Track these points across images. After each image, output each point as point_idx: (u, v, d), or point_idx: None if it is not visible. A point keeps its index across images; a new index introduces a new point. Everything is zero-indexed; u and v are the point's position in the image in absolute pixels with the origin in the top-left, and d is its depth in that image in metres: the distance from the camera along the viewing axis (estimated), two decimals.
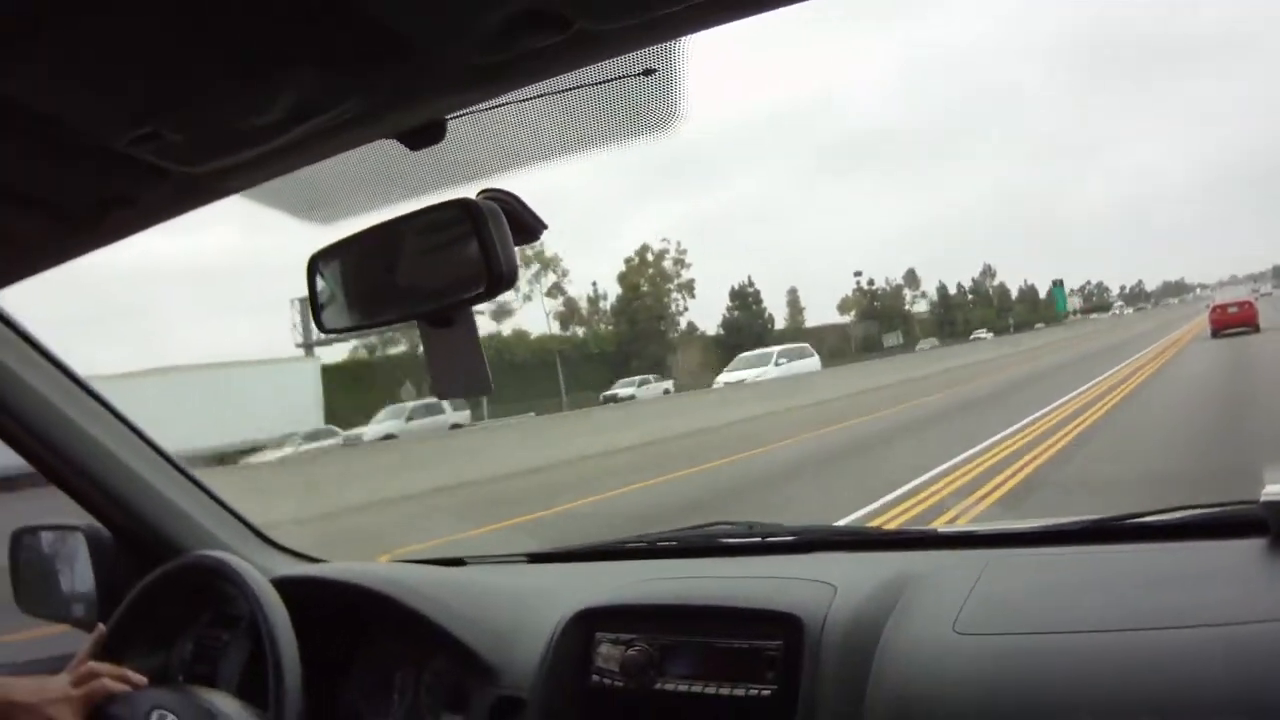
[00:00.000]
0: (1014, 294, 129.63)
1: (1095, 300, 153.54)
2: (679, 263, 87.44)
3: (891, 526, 7.41)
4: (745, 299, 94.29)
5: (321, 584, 2.56)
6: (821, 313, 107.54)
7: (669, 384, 61.54)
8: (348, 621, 2.52)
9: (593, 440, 24.05)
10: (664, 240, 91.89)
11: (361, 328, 1.66)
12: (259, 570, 2.29)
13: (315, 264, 1.62)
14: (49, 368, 2.44)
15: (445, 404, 41.70)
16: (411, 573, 2.64)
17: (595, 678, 2.08)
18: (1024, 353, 53.03)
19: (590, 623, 2.13)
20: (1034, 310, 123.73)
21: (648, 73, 1.33)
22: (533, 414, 43.48)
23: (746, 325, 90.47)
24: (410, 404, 44.03)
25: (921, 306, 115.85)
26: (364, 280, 1.60)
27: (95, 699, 2.12)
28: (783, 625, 1.90)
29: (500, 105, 1.39)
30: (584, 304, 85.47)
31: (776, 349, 49.69)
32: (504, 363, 64.25)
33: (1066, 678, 1.62)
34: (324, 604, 2.46)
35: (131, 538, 2.63)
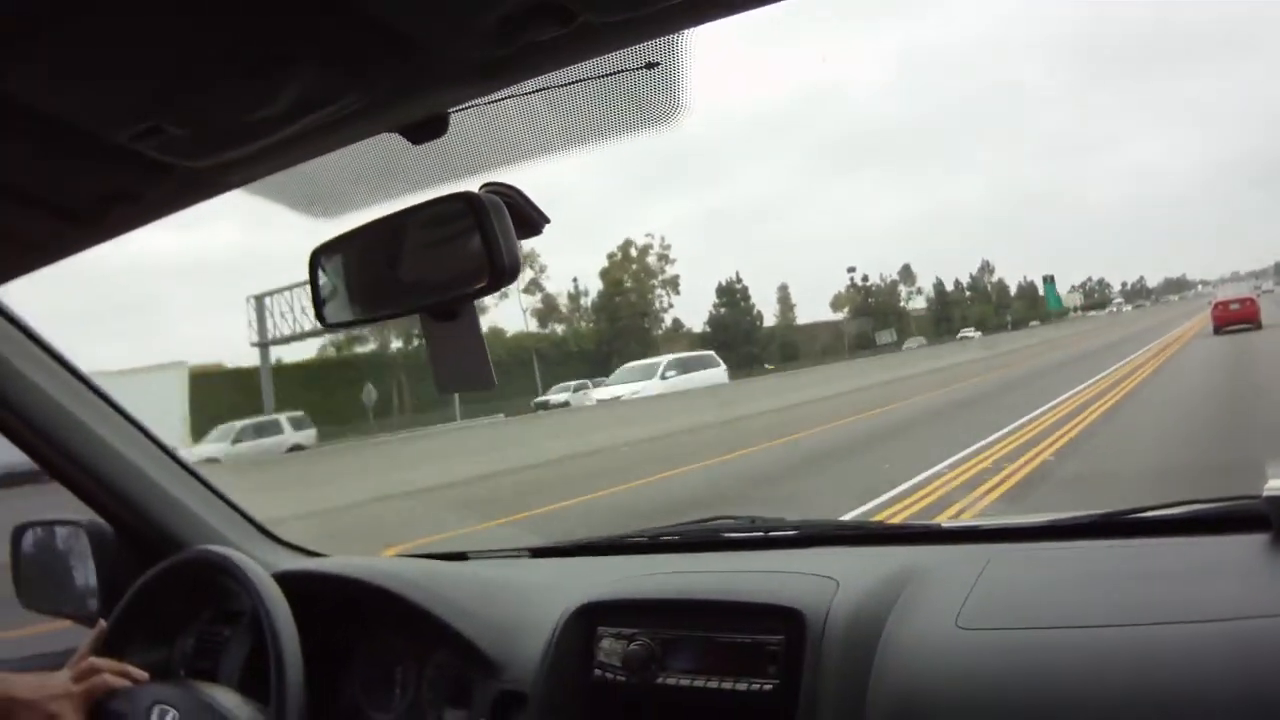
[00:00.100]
0: (1013, 290, 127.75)
1: (1097, 297, 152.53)
2: (663, 258, 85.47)
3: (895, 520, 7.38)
4: (733, 295, 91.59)
5: (323, 579, 2.56)
6: (816, 310, 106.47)
7: (608, 391, 53.04)
8: (349, 616, 2.52)
9: (455, 465, 20.25)
10: (648, 235, 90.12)
11: (364, 322, 1.66)
12: (261, 565, 2.29)
13: (317, 258, 1.62)
14: (50, 363, 2.44)
15: (284, 423, 39.50)
16: (413, 567, 2.64)
17: (597, 672, 2.08)
18: (1010, 354, 49.72)
19: (592, 617, 2.13)
20: (1033, 307, 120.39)
21: (650, 66, 1.33)
22: (502, 415, 41.89)
23: (734, 322, 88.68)
24: (240, 424, 39.01)
25: (918, 303, 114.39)
26: (366, 274, 1.60)
27: (96, 694, 2.12)
28: (785, 620, 1.90)
29: (503, 99, 1.39)
30: (564, 300, 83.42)
31: (666, 358, 42.96)
32: None
33: (1069, 673, 1.62)
34: (326, 598, 2.47)
35: (133, 533, 2.63)
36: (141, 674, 2.19)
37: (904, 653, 1.81)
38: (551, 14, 1.15)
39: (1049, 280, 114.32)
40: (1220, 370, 23.99)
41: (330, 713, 2.45)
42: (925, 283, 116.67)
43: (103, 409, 2.54)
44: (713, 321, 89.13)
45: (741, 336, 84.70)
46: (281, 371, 53.64)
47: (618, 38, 1.25)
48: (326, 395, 54.10)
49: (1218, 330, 38.79)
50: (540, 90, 1.38)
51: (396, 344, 63.90)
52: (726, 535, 2.63)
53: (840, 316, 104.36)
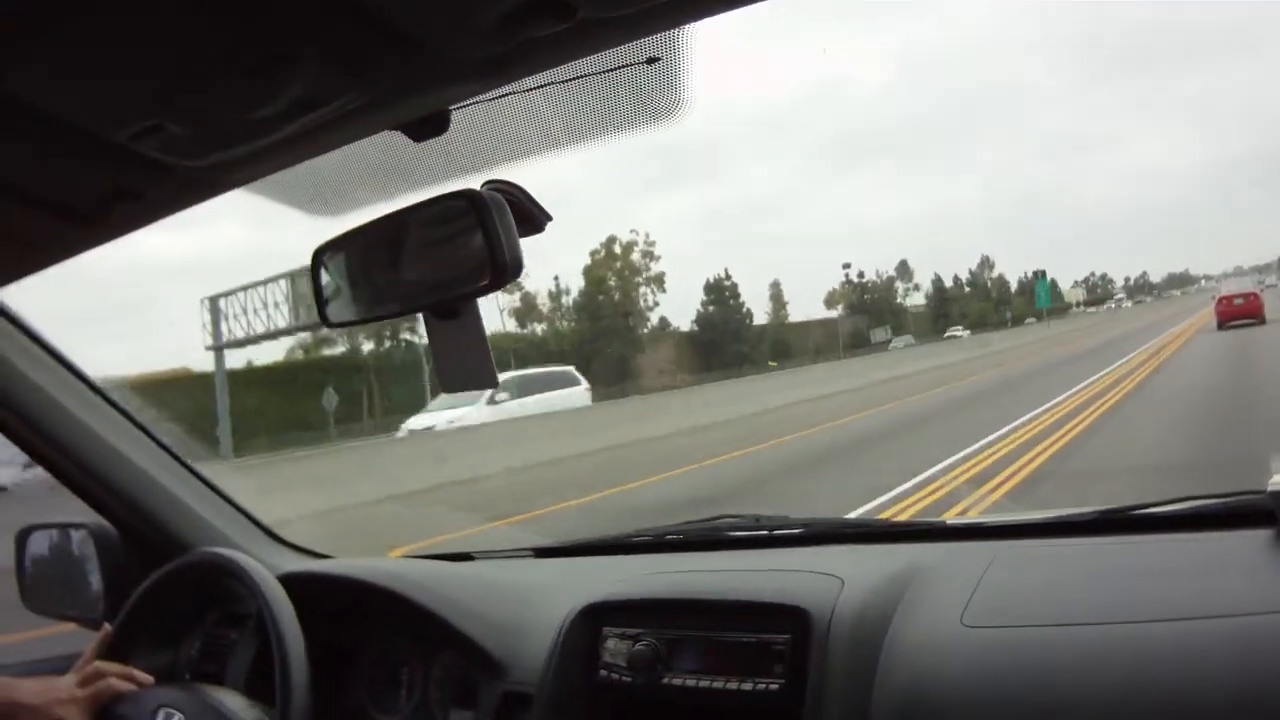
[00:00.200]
0: (1014, 286, 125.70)
1: (1100, 292, 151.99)
2: (648, 255, 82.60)
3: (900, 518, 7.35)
4: (721, 293, 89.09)
5: (329, 580, 2.56)
6: (812, 307, 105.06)
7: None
8: (355, 617, 2.52)
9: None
10: (633, 231, 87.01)
11: (367, 320, 1.66)
12: (266, 567, 2.30)
13: (320, 257, 1.62)
14: (54, 365, 2.44)
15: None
16: (419, 568, 2.64)
17: (603, 672, 2.08)
18: (1001, 354, 47.27)
19: (597, 617, 2.13)
20: (1033, 303, 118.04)
21: (652, 61, 1.32)
22: None
23: (722, 321, 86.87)
24: None
25: (917, 300, 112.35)
26: (369, 273, 1.60)
27: (102, 699, 2.12)
28: (790, 619, 1.90)
29: (504, 95, 1.39)
30: (545, 299, 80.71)
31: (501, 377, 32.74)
32: None
33: (1074, 670, 1.62)
34: (331, 600, 2.47)
35: (138, 535, 2.63)
36: (147, 678, 2.19)
37: (910, 651, 1.81)
38: (552, 10, 1.14)
39: (1040, 275, 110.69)
40: (1222, 369, 23.46)
41: (336, 714, 2.45)
42: (925, 279, 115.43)
43: (106, 411, 2.54)
44: (700, 320, 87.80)
45: (730, 335, 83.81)
46: (249, 375, 52.64)
47: (618, 33, 1.25)
48: (290, 400, 53.80)
49: (1221, 325, 38.70)
50: (542, 86, 1.37)
51: (368, 345, 63.01)
52: (731, 534, 2.63)
53: (835, 314, 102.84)
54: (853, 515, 9.79)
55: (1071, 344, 47.27)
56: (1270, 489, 1.79)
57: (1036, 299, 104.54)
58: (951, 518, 2.97)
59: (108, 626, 2.35)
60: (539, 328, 79.64)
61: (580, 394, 33.43)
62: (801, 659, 1.85)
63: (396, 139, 1.45)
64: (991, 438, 15.75)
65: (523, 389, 30.87)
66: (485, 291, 1.44)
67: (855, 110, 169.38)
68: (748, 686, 1.90)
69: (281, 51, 1.24)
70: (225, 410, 38.12)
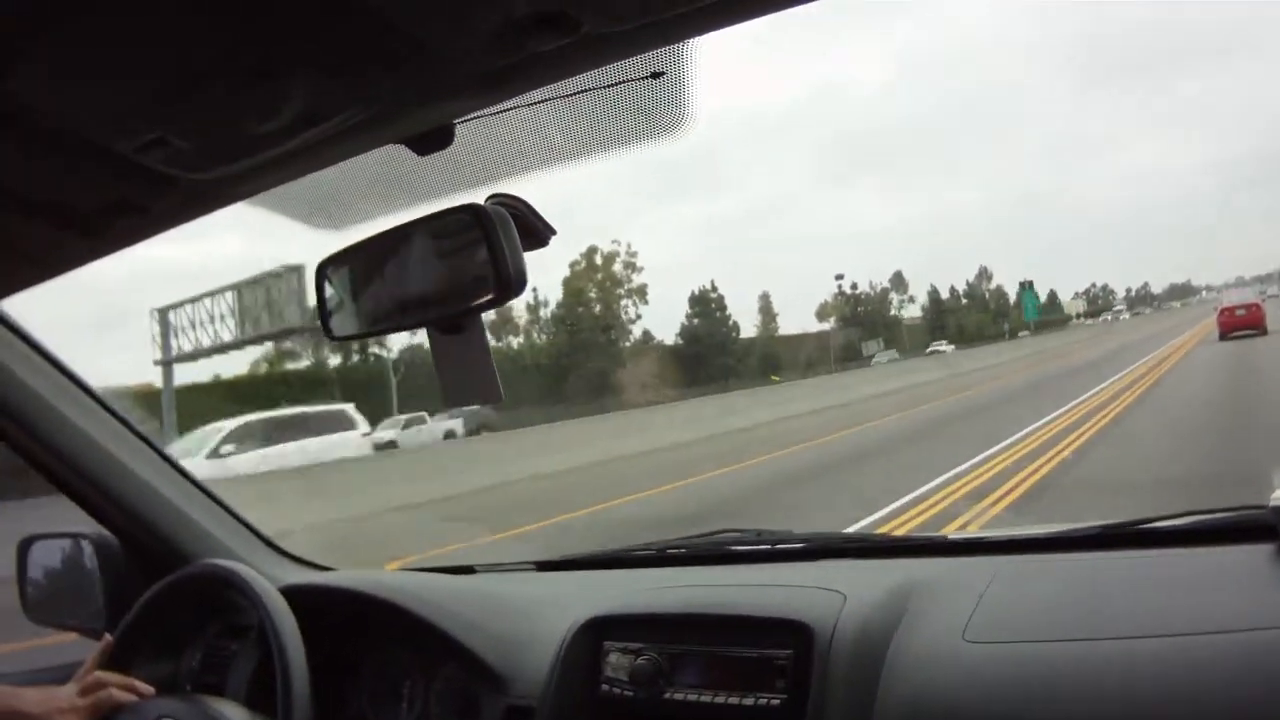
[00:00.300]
0: (1012, 298, 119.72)
1: (1101, 303, 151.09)
2: (630, 266, 78.75)
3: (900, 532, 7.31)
4: (707, 305, 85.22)
5: (330, 592, 2.56)
6: (806, 320, 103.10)
7: (456, 422, 43.58)
8: (357, 630, 2.51)
9: None
10: (614, 242, 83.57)
11: (370, 334, 1.66)
12: (268, 579, 2.30)
13: (324, 270, 1.62)
14: (56, 375, 2.44)
15: None
16: (420, 581, 2.64)
17: (604, 687, 2.08)
18: (991, 369, 44.64)
19: (599, 631, 2.12)
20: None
21: (656, 76, 1.32)
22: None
23: (707, 334, 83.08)
24: None
25: (913, 311, 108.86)
26: (372, 287, 1.60)
27: (103, 709, 2.12)
28: (792, 634, 1.89)
29: (508, 109, 1.39)
30: (523, 312, 75.49)
31: (232, 424, 24.83)
32: (420, 378, 56.00)
33: (1076, 686, 1.62)
34: (333, 612, 2.46)
35: (140, 546, 2.63)
36: (147, 688, 2.18)
37: (911, 666, 1.81)
38: (556, 24, 1.14)
39: (1026, 286, 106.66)
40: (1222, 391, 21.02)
41: None
42: (922, 290, 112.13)
43: (108, 421, 2.54)
44: (685, 333, 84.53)
45: (715, 348, 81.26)
46: (212, 389, 50.49)
47: (622, 47, 1.25)
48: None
49: (1223, 336, 38.63)
50: (545, 100, 1.37)
51: (335, 360, 60.82)
52: (733, 548, 2.63)
53: (827, 326, 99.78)
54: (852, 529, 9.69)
55: (1065, 359, 44.52)
56: (1272, 504, 1.79)
57: (1024, 311, 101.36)
58: (953, 532, 2.97)
59: (109, 636, 2.35)
60: (515, 341, 75.78)
61: (352, 441, 25.72)
62: (803, 674, 1.84)
63: (400, 152, 1.45)
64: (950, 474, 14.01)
65: (269, 436, 24.68)
66: (490, 306, 1.44)
67: (852, 119, 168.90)
68: (749, 701, 1.89)
69: (286, 65, 1.24)
70: (172, 426, 34.81)
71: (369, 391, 53.08)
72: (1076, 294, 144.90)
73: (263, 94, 1.28)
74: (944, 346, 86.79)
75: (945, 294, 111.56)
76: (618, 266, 77.54)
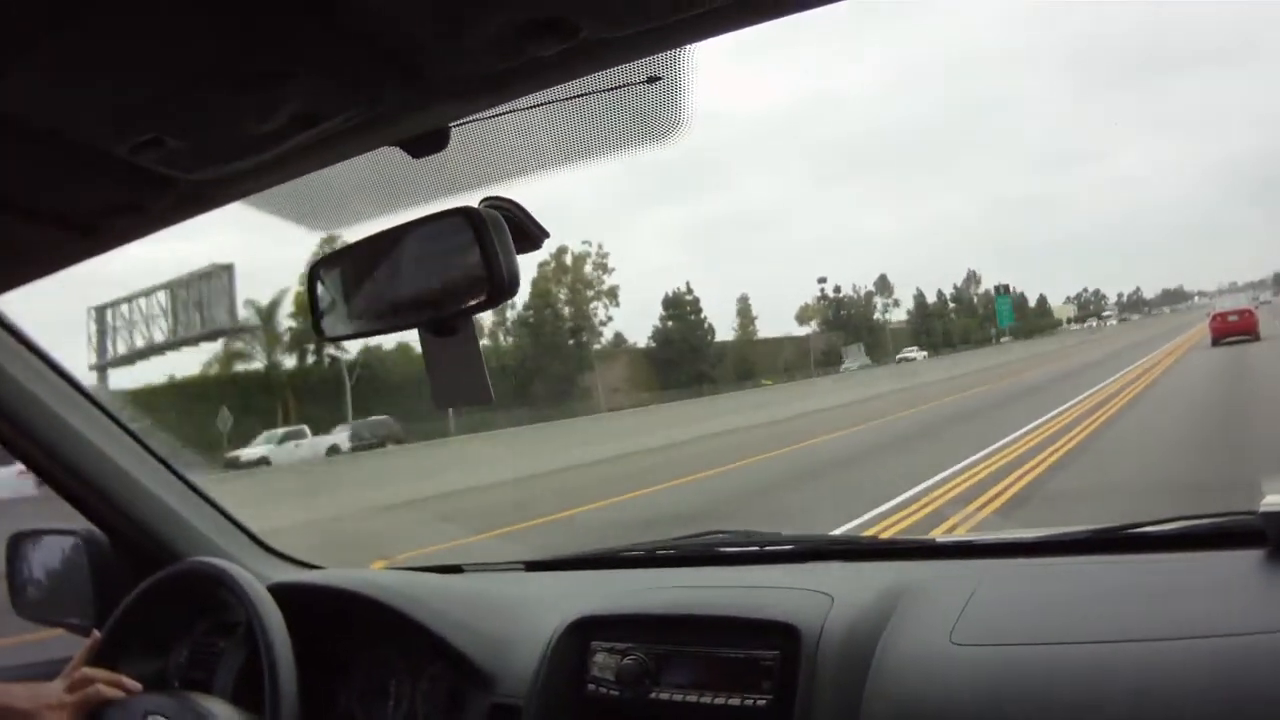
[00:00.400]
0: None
1: (1093, 308, 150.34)
2: (601, 267, 75.71)
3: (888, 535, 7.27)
4: (681, 307, 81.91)
5: (318, 591, 2.56)
6: (788, 323, 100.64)
7: (342, 436, 43.81)
8: (344, 628, 2.51)
9: None
10: (585, 242, 77.30)
11: (362, 335, 1.67)
12: (255, 577, 2.29)
13: (316, 271, 1.63)
14: (47, 372, 2.44)
15: None
16: (408, 580, 2.64)
17: (591, 687, 2.08)
18: (965, 378, 41.67)
19: (586, 631, 2.13)
20: (1022, 319, 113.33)
21: (652, 80, 1.33)
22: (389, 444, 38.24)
23: (680, 337, 79.95)
24: None
25: (898, 315, 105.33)
26: (365, 288, 1.60)
27: (90, 705, 2.12)
28: (779, 635, 1.90)
29: (504, 113, 1.39)
30: (488, 314, 68.61)
31: None
32: (379, 382, 55.99)
33: (1063, 690, 1.62)
34: (320, 610, 2.46)
35: (128, 543, 2.63)
36: (135, 684, 2.18)
37: (898, 669, 1.81)
38: (553, 29, 1.15)
39: (1001, 291, 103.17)
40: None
41: None
42: (909, 294, 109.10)
43: (99, 419, 2.54)
44: (658, 335, 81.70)
45: (689, 352, 78.81)
46: (153, 393, 47.48)
47: (619, 52, 1.26)
48: (189, 419, 44.70)
49: (1216, 342, 38.64)
50: (542, 105, 1.38)
51: (290, 362, 58.49)
52: (721, 550, 2.64)
53: (807, 330, 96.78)
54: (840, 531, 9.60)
55: (1043, 368, 42.04)
56: (1262, 509, 1.80)
57: (998, 318, 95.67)
58: (941, 535, 2.97)
59: (97, 633, 2.35)
60: (480, 343, 71.80)
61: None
62: (790, 675, 1.85)
63: (395, 155, 1.46)
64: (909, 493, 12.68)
65: None
66: (483, 308, 1.44)
67: (842, 123, 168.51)
68: (736, 702, 1.90)
69: (283, 67, 1.24)
70: None
71: (322, 395, 52.66)
72: (1068, 299, 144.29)
73: (259, 95, 1.29)
74: (915, 354, 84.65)
75: (933, 298, 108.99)
76: (588, 268, 75.51)
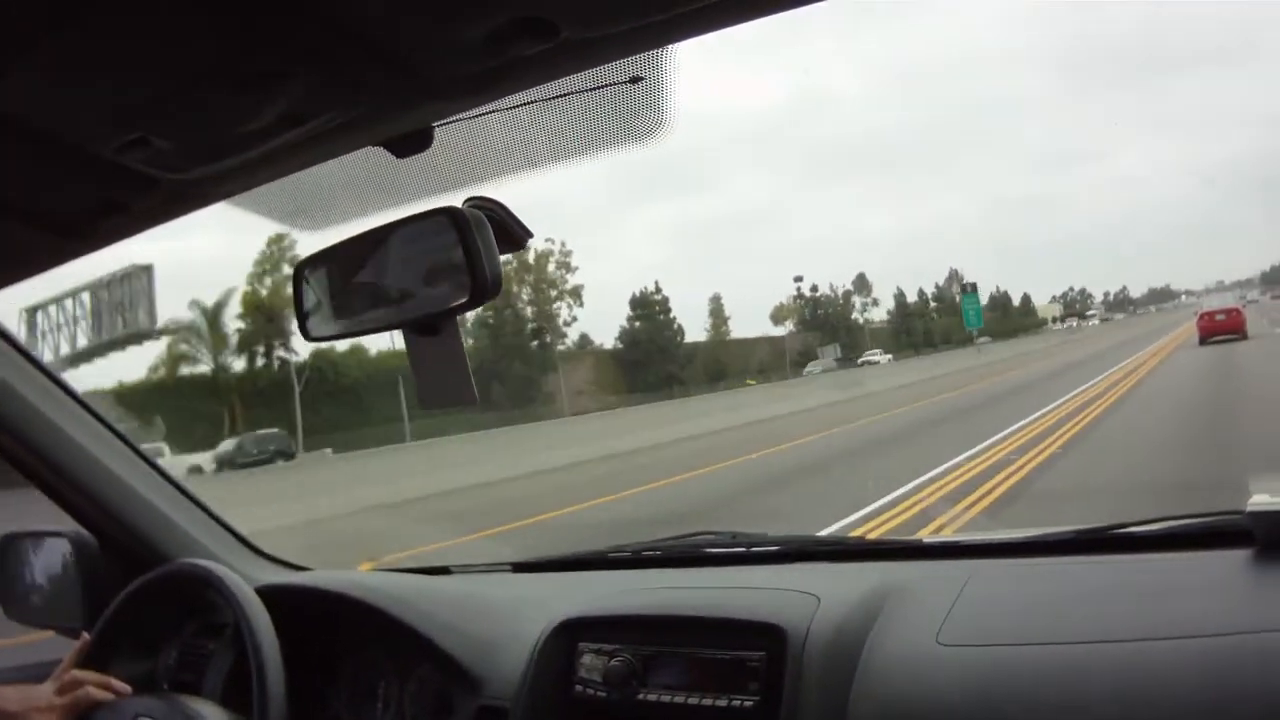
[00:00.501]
0: (985, 301, 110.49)
1: (1079, 307, 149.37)
2: (565, 266, 73.49)
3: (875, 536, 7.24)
4: (649, 307, 79.33)
5: (306, 593, 2.56)
6: (764, 323, 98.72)
7: (205, 456, 40.80)
8: (333, 630, 2.51)
9: None
10: (548, 240, 74.27)
11: (347, 335, 1.66)
12: (244, 578, 2.30)
13: (302, 271, 1.63)
14: (36, 374, 2.44)
15: None
16: (396, 582, 2.64)
17: (578, 688, 2.08)
18: (930, 383, 38.23)
19: (573, 633, 2.13)
20: (1005, 318, 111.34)
21: (635, 80, 1.33)
22: (329, 451, 37.27)
23: (648, 338, 77.48)
24: None
25: (878, 315, 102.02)
26: (350, 288, 1.60)
27: (80, 707, 2.12)
28: (766, 636, 1.90)
29: (488, 113, 1.40)
30: None
31: None
32: (330, 385, 54.23)
33: (1051, 690, 1.63)
34: (309, 612, 2.46)
35: (117, 545, 2.62)
36: (124, 687, 2.18)
37: (885, 669, 1.81)
38: (536, 29, 1.15)
39: (967, 290, 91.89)
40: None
41: None
42: (889, 293, 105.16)
43: (87, 421, 2.54)
44: (625, 336, 79.21)
45: (658, 353, 76.79)
46: (92, 399, 46.87)
47: (602, 52, 1.26)
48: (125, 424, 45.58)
49: (1203, 341, 38.64)
50: (525, 104, 1.38)
51: (239, 364, 56.07)
52: (709, 551, 2.64)
53: (782, 330, 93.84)
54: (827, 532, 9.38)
55: (987, 381, 36.90)
56: (1249, 509, 1.80)
57: (965, 318, 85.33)
58: (928, 536, 2.97)
59: (86, 635, 2.35)
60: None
61: None
62: (777, 676, 1.85)
63: (380, 155, 1.46)
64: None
65: None
66: (466, 308, 1.44)
67: (825, 125, 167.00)
68: (723, 703, 1.90)
69: (268, 67, 1.24)
70: None
71: (272, 399, 51.13)
72: (1054, 298, 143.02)
73: (245, 96, 1.29)
74: (878, 356, 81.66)
75: (914, 297, 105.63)
76: (551, 267, 73.39)
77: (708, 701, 1.92)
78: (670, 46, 1.27)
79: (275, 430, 46.45)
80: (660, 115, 1.41)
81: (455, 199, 1.45)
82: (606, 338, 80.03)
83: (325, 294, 1.62)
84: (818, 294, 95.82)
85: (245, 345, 54.81)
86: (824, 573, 2.32)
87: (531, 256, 71.88)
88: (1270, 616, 1.62)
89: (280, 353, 54.69)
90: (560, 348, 74.06)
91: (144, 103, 1.31)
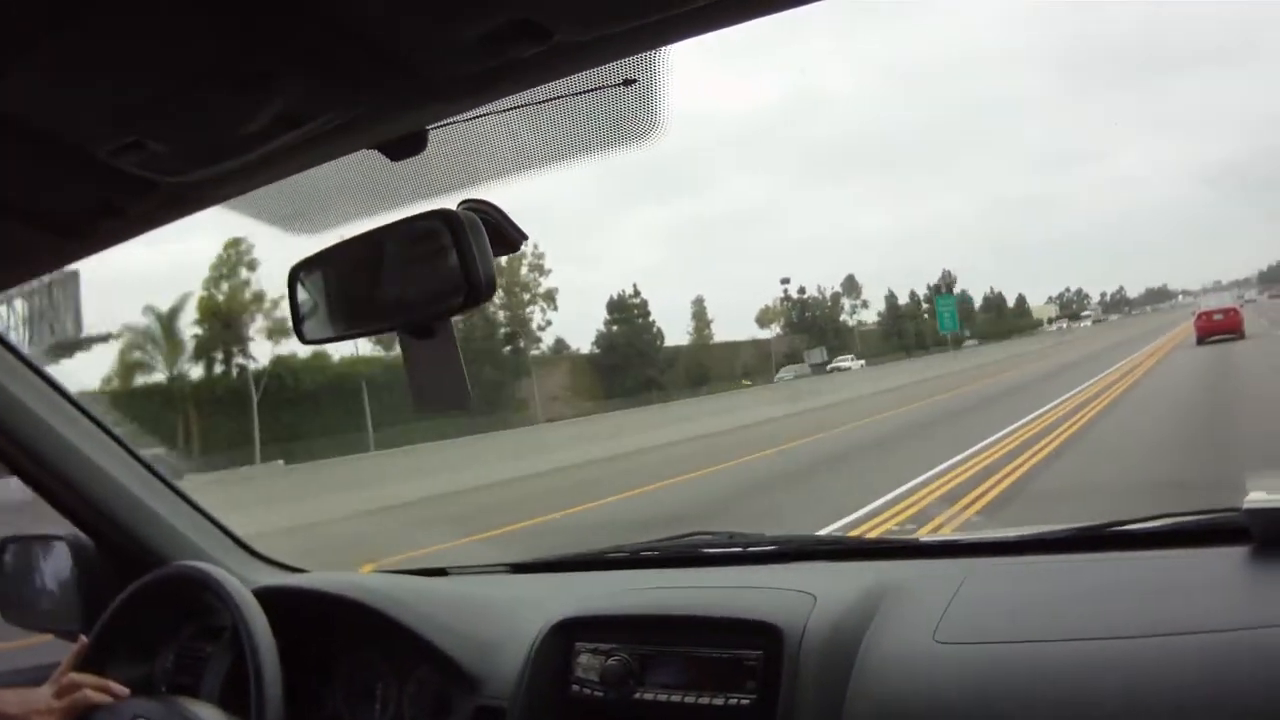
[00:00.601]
0: (978, 302, 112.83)
1: (1075, 307, 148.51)
2: (538, 269, 69.73)
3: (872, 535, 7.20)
4: (628, 311, 76.54)
5: (304, 594, 2.56)
6: (752, 327, 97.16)
7: None
8: (330, 631, 2.52)
9: None
10: None
11: (343, 338, 1.67)
12: (241, 581, 2.30)
13: (297, 274, 1.63)
14: (32, 377, 2.44)
15: None
16: (393, 583, 2.64)
17: (575, 688, 2.09)
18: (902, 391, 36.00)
19: (570, 633, 2.13)
20: (999, 319, 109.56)
21: (628, 83, 1.34)
22: (281, 462, 35.24)
23: (626, 342, 74.61)
24: None
25: (867, 317, 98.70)
26: (345, 291, 1.60)
27: (78, 710, 2.12)
28: (762, 635, 1.90)
29: (482, 116, 1.40)
30: None
31: None
32: (290, 393, 51.12)
33: (1047, 687, 1.63)
34: (306, 614, 2.46)
35: (114, 548, 2.62)
36: (123, 689, 2.19)
37: (881, 667, 1.82)
38: (530, 32, 1.16)
39: (942, 292, 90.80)
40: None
41: None
42: (877, 294, 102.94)
43: (84, 423, 2.54)
44: (602, 341, 76.04)
45: (636, 357, 73.49)
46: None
47: (595, 55, 1.26)
48: None
49: (1201, 340, 38.60)
50: (519, 107, 1.39)
51: (197, 371, 52.43)
52: (705, 551, 2.64)
53: (768, 334, 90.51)
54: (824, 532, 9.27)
55: (960, 390, 34.01)
56: (1246, 506, 1.80)
57: (939, 322, 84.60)
58: (925, 535, 2.96)
59: (84, 638, 2.35)
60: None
61: None
62: (773, 675, 1.86)
63: (374, 158, 1.46)
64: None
65: None
66: (460, 311, 1.44)
67: (822, 124, 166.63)
68: (719, 702, 1.90)
69: (263, 70, 1.25)
70: None
71: (230, 408, 49.29)
72: (1050, 298, 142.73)
73: (241, 98, 1.29)
74: (849, 362, 76.93)
75: (905, 299, 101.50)
76: (524, 270, 69.88)
77: (704, 700, 1.92)
78: (664, 48, 1.28)
79: (157, 450, 44.27)
80: (654, 117, 1.41)
81: (450, 202, 1.45)
82: (586, 342, 77.68)
83: (321, 297, 1.62)
84: (805, 296, 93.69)
85: (202, 352, 52.52)
86: (820, 572, 2.32)
87: (503, 259, 67.92)
88: (1268, 613, 1.62)
89: (239, 359, 52.65)
90: (534, 352, 70.45)
91: (141, 104, 1.31)
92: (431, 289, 1.46)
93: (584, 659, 2.09)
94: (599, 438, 28.23)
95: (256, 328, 51.90)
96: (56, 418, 2.48)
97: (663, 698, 1.96)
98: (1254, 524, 1.81)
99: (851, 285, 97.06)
